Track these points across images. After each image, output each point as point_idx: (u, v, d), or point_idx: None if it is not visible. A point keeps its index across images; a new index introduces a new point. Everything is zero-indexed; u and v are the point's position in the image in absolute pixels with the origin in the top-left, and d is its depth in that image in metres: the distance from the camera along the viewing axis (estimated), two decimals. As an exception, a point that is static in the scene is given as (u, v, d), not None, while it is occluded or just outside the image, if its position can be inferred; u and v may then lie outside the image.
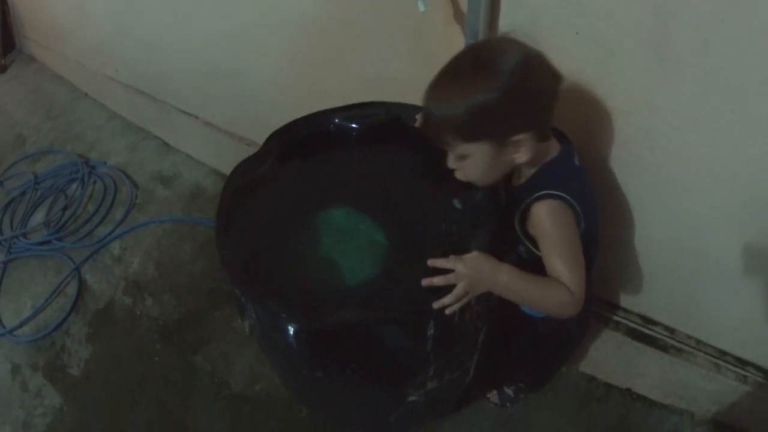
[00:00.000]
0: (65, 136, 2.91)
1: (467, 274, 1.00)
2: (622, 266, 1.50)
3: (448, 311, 1.00)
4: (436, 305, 0.99)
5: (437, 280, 1.00)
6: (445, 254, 1.02)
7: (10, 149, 2.97)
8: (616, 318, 1.63)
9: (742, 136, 1.13)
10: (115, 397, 1.76)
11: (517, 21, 1.25)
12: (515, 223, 1.11)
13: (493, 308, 1.18)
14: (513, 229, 1.14)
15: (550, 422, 1.66)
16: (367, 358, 1.05)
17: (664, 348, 1.58)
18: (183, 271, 2.07)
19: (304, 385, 1.28)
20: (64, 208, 2.41)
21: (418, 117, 1.24)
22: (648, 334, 1.60)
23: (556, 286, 1.05)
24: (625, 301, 1.61)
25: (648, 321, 1.60)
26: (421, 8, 1.18)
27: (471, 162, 1.03)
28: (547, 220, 1.05)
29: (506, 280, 1.04)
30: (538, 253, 1.09)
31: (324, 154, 1.36)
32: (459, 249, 1.04)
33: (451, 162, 1.06)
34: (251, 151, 2.16)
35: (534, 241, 1.11)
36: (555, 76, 1.01)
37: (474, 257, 1.02)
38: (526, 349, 1.45)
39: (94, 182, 2.50)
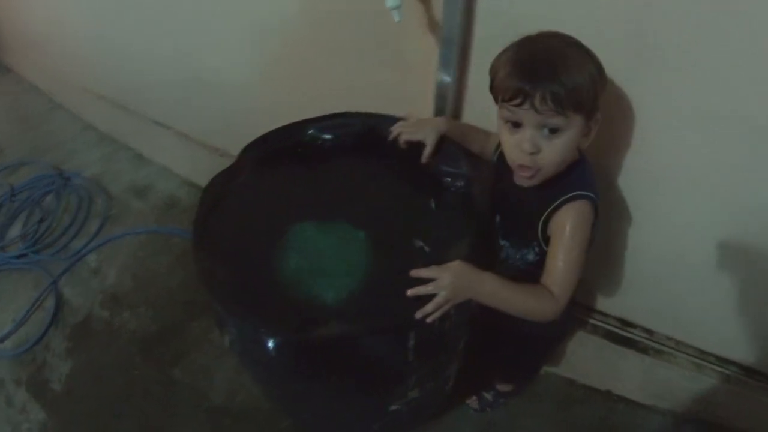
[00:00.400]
0: (41, 147, 2.88)
1: (449, 282, 1.00)
2: (600, 270, 1.51)
3: (429, 320, 1.00)
4: (418, 315, 0.99)
5: (422, 290, 1.00)
6: (426, 264, 1.02)
7: (-14, 160, 2.93)
8: (594, 322, 1.64)
9: (719, 145, 1.16)
10: (96, 411, 1.74)
11: (493, 29, 1.26)
12: (538, 223, 1.11)
13: (475, 315, 1.18)
14: (526, 230, 1.14)
15: (532, 426, 1.67)
16: (350, 370, 1.04)
17: (644, 350, 1.59)
18: (159, 283, 2.06)
19: (286, 397, 1.28)
20: (40, 221, 2.38)
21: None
22: (627, 337, 1.61)
23: (540, 294, 1.06)
24: (603, 304, 1.62)
25: (626, 324, 1.61)
26: (396, 18, 1.18)
27: (561, 140, 1.00)
28: (574, 221, 1.06)
29: (489, 289, 1.05)
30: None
31: (300, 165, 1.35)
32: (441, 258, 1.04)
33: (534, 143, 1.01)
34: (225, 161, 2.14)
35: (547, 241, 1.11)
36: None
37: (456, 266, 1.02)
38: (510, 351, 1.47)
39: (69, 194, 2.48)
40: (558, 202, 1.06)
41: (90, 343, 1.87)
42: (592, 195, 1.06)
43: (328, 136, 1.38)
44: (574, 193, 1.05)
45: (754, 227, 1.25)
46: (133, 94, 2.45)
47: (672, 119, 1.17)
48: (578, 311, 1.63)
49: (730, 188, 1.21)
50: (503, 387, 1.66)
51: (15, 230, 2.40)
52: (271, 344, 0.97)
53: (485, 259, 1.10)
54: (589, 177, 1.10)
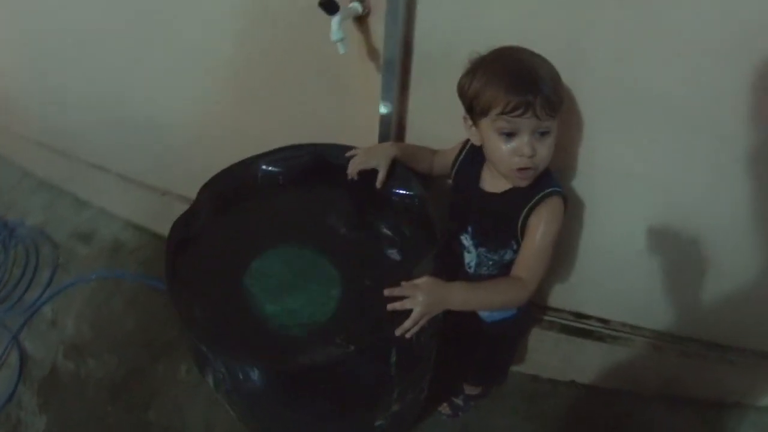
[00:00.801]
0: (-18, 198, 2.79)
1: (422, 299, 1.06)
2: (551, 268, 1.57)
3: (408, 335, 1.06)
4: (398, 332, 1.05)
5: (398, 305, 1.06)
6: (396, 283, 1.08)
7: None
8: (549, 318, 1.72)
9: (646, 144, 1.27)
10: (76, 464, 1.72)
11: (430, 56, 1.33)
12: (518, 222, 1.18)
13: (445, 325, 1.24)
14: (504, 232, 1.22)
15: (504, 424, 1.74)
16: (338, 392, 1.09)
17: (600, 338, 1.68)
18: (117, 328, 2.04)
19: (274, 426, 1.29)
20: (-8, 275, 2.31)
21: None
22: (583, 328, 1.69)
23: (508, 286, 1.17)
24: (556, 301, 1.70)
25: (581, 316, 1.70)
26: (342, 50, 1.22)
27: (550, 139, 1.11)
28: (549, 215, 1.16)
29: (461, 298, 1.12)
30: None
31: (256, 198, 1.38)
32: (409, 274, 1.11)
33: (533, 147, 1.09)
34: (168, 201, 2.15)
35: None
36: None
37: (425, 282, 1.09)
38: (482, 354, 1.54)
39: (16, 245, 2.41)
40: (536, 199, 1.15)
41: (61, 395, 1.84)
42: (562, 191, 1.17)
43: (280, 168, 1.41)
44: (549, 189, 1.15)
45: (682, 212, 1.37)
46: (70, 138, 2.40)
47: (604, 123, 1.27)
48: (534, 310, 1.70)
49: (659, 180, 1.32)
50: (472, 390, 1.72)
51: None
52: (262, 377, 1.00)
53: (450, 271, 1.17)
54: (554, 175, 1.20)
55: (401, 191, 1.33)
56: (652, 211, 1.40)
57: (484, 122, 1.11)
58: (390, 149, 1.34)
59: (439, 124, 1.39)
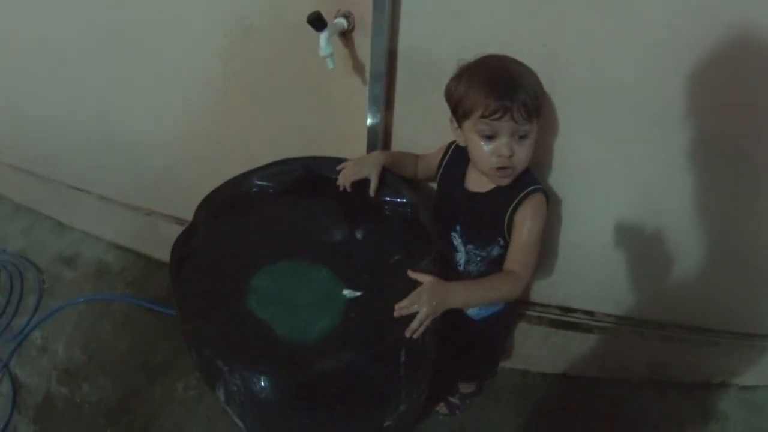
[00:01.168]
0: (-43, 226, 2.74)
1: (427, 299, 1.12)
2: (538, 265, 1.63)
3: (416, 335, 1.11)
4: (407, 333, 1.10)
5: (405, 310, 1.11)
6: (395, 280, 1.15)
7: None
8: (536, 314, 1.76)
9: (619, 142, 1.35)
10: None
11: (415, 65, 1.37)
12: (504, 219, 1.25)
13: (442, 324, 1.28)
14: (490, 229, 1.28)
15: (499, 419, 1.79)
16: (350, 394, 1.11)
17: (588, 330, 1.73)
18: (109, 351, 2.03)
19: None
20: (-24, 303, 2.27)
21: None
22: (570, 321, 1.74)
23: (504, 279, 1.23)
24: (542, 296, 1.75)
25: (567, 310, 1.75)
26: (330, 65, 1.26)
27: (529, 141, 1.17)
28: (534, 211, 1.23)
29: (462, 296, 1.20)
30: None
31: (253, 214, 1.40)
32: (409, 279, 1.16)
33: (511, 148, 1.15)
34: (152, 220, 2.16)
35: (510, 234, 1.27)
36: None
37: (428, 283, 1.15)
38: (471, 349, 1.58)
39: (-1, 272, 2.39)
40: (520, 196, 1.22)
41: (57, 423, 1.82)
42: (543, 188, 1.24)
43: (273, 183, 1.43)
44: (532, 187, 1.23)
45: (652, 204, 1.44)
46: (48, 161, 2.37)
47: (580, 123, 1.33)
48: (520, 307, 1.75)
49: (633, 174, 1.39)
50: (467, 389, 1.77)
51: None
52: (279, 387, 1.03)
53: (440, 271, 1.21)
54: (535, 174, 1.28)
55: (393, 199, 1.37)
56: (623, 205, 1.47)
57: (467, 124, 1.17)
58: (379, 157, 1.39)
59: (424, 133, 1.45)
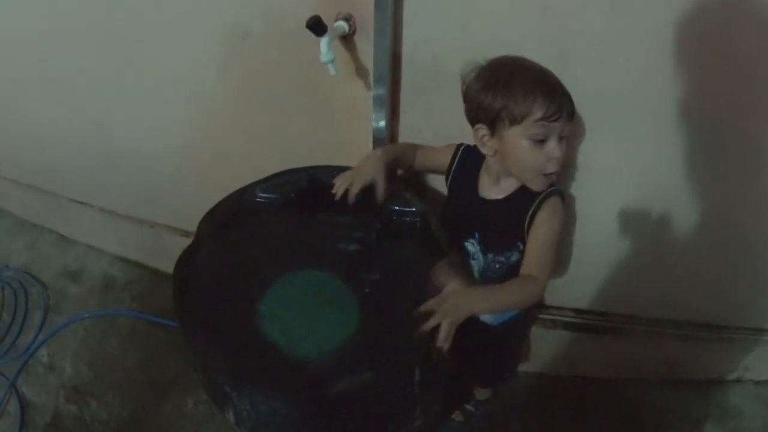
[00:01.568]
0: (-40, 243, 2.72)
1: (451, 306, 1.08)
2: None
3: (446, 344, 1.07)
4: (438, 344, 1.06)
5: (431, 322, 1.06)
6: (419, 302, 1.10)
7: None
8: (551, 317, 1.74)
9: (627, 142, 1.32)
10: None
11: (419, 67, 1.34)
12: (524, 224, 1.22)
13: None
14: (510, 235, 1.26)
15: (515, 423, 1.77)
16: (364, 413, 1.08)
17: (602, 332, 1.71)
18: (117, 367, 2.01)
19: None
20: (-19, 322, 2.25)
21: None
22: (584, 323, 1.72)
23: (524, 283, 1.20)
24: (556, 299, 1.73)
25: (580, 311, 1.73)
26: (332, 72, 1.22)
27: (565, 142, 1.15)
28: (551, 213, 1.20)
29: (485, 302, 1.16)
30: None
31: (258, 226, 1.36)
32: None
33: (560, 148, 1.13)
34: (155, 232, 2.12)
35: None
36: None
37: (453, 289, 1.12)
38: (487, 355, 1.55)
39: (2, 288, 2.36)
40: (539, 200, 1.19)
41: (66, 442, 1.81)
42: (560, 190, 1.22)
43: (277, 194, 1.40)
44: (549, 189, 1.20)
45: (667, 203, 1.42)
46: (49, 175, 2.36)
47: (588, 123, 1.30)
48: (535, 311, 1.72)
49: (644, 174, 1.38)
50: (482, 395, 1.75)
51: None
52: (291, 409, 1.00)
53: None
54: None
55: (402, 208, 1.34)
56: (633, 205, 1.44)
57: (515, 130, 1.12)
58: (379, 159, 1.33)
59: (431, 137, 1.42)
